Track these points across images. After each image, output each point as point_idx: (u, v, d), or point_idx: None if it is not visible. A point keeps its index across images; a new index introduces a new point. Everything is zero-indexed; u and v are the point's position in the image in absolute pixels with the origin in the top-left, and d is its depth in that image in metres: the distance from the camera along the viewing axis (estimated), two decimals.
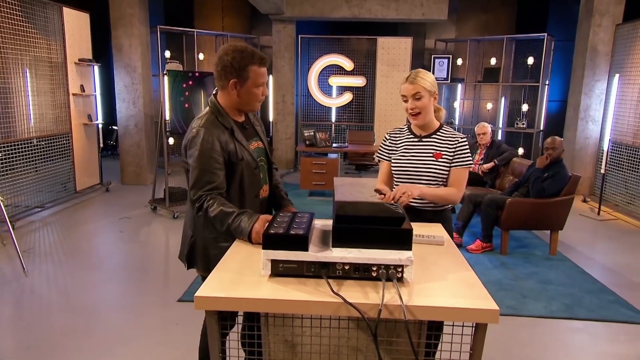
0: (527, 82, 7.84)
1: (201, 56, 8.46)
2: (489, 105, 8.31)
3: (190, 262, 2.05)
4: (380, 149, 2.36)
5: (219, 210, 1.79)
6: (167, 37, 8.43)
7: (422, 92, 2.13)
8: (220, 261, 1.56)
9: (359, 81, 8.40)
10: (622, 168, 6.24)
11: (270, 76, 8.66)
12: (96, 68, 6.72)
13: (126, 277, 3.91)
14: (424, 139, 2.23)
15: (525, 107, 7.88)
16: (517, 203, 4.36)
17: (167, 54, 8.26)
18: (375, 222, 1.47)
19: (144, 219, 5.58)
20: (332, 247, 1.43)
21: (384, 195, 2.01)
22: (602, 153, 6.39)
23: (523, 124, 7.83)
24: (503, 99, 8.12)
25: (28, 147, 5.48)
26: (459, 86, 8.55)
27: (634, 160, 6.02)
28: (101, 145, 7.02)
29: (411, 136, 2.26)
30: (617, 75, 6.05)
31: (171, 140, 8.03)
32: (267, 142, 2.17)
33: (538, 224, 4.54)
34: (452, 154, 2.18)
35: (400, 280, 1.38)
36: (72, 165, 6.27)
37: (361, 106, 8.64)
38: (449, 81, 8.36)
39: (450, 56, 8.38)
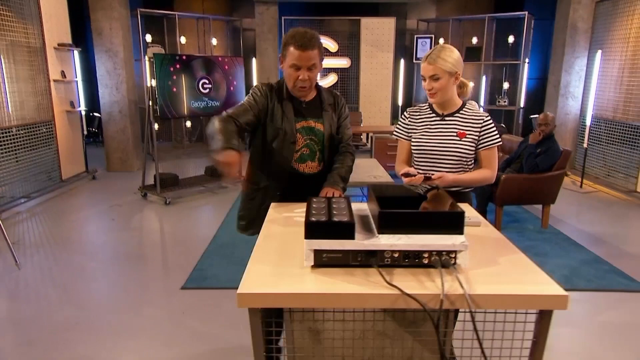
0: (508, 61, 7.78)
1: (183, 39, 8.08)
2: (471, 84, 8.21)
3: None
4: (398, 127, 2.21)
5: (217, 123, 1.83)
6: (147, 21, 8.01)
7: (440, 74, 1.99)
8: (254, 250, 1.41)
9: (343, 62, 8.19)
10: (601, 142, 6.27)
11: (254, 59, 8.37)
12: (76, 53, 6.32)
13: (124, 266, 3.70)
14: (446, 118, 2.09)
15: (506, 85, 7.84)
16: (511, 179, 4.31)
17: (148, 37, 7.86)
18: (419, 205, 1.34)
19: (135, 206, 5.34)
20: (379, 233, 1.29)
21: (413, 176, 1.89)
22: (585, 128, 6.40)
23: (504, 101, 7.79)
24: (484, 77, 8.05)
25: (7, 136, 5.13)
26: None
27: (613, 135, 6.05)
28: (85, 132, 6.67)
29: (432, 115, 2.12)
30: (599, 52, 6.02)
31: (156, 126, 7.70)
32: (333, 130, 2.11)
33: (531, 199, 4.51)
34: (478, 134, 2.05)
35: (454, 266, 1.25)
36: (56, 153, 5.93)
37: (346, 87, 8.45)
38: None
39: (433, 36, 8.24)
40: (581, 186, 6.15)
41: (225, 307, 3.03)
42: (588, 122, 6.23)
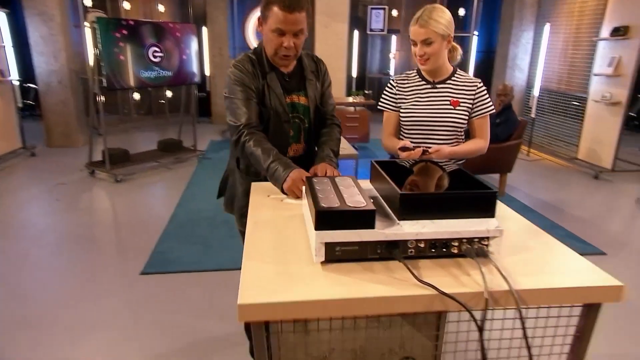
0: (458, 33, 7.69)
1: (127, 5, 7.30)
2: None
3: (221, 192, 1.93)
4: (384, 98, 1.96)
5: (256, 150, 1.57)
6: None
7: (433, 38, 1.74)
8: (247, 243, 1.12)
9: None
10: (545, 112, 6.38)
11: (205, 28, 7.74)
12: (2, 15, 5.48)
13: (73, 251, 3.27)
14: (437, 85, 1.86)
15: None
16: None
17: (88, 1, 7.01)
18: (443, 185, 1.11)
19: (83, 184, 4.80)
20: (399, 220, 1.05)
21: (412, 150, 1.66)
22: (530, 99, 6.47)
23: None
24: None
25: None
26: (393, 37, 8.22)
27: (557, 105, 6.15)
28: (20, 104, 5.90)
29: (422, 82, 1.88)
30: (547, 25, 6.02)
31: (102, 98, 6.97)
32: (318, 101, 1.80)
33: (491, 168, 4.47)
34: (472, 101, 1.84)
35: (487, 256, 1.04)
36: None
37: None
38: (385, 32, 7.99)
39: (386, 7, 7.97)
40: (528, 154, 6.26)
41: (191, 293, 2.73)
42: (536, 93, 6.29)
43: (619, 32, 5.13)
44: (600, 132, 5.45)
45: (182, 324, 2.43)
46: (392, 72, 8.41)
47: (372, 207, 1.00)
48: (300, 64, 1.75)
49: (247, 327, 2.05)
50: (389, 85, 1.95)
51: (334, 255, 1.01)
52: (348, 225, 0.99)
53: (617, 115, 5.20)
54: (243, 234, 1.78)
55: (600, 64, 5.38)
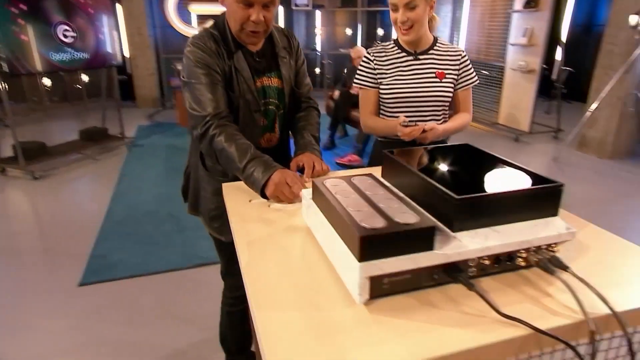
0: (381, 7, 7.49)
1: None
2: (349, 31, 7.82)
3: (185, 195, 1.56)
4: (361, 74, 1.63)
5: (229, 146, 1.20)
6: None
7: (417, 1, 1.46)
8: (247, 281, 0.78)
9: (221, 8, 7.06)
10: None
11: (119, 5, 6.76)
12: None
13: None
14: (420, 57, 1.58)
15: (381, 31, 7.60)
16: None
17: None
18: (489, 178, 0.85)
19: None
20: (454, 232, 0.76)
21: (414, 125, 1.39)
22: None
23: None
24: (359, 25, 7.68)
25: None
26: (318, 12, 7.81)
27: (477, 74, 6.24)
28: None
29: (403, 54, 1.59)
30: None
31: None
32: (293, 82, 1.43)
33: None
34: (457, 72, 1.60)
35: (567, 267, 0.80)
36: None
37: None
38: (310, 8, 7.55)
39: None
40: None
41: (143, 301, 2.29)
42: None
43: (530, 5, 5.22)
44: (517, 98, 5.61)
45: (137, 339, 2.01)
46: (318, 47, 8.04)
47: (429, 222, 0.71)
48: (270, 40, 1.38)
49: (224, 339, 1.71)
50: (364, 59, 1.63)
51: (381, 289, 0.71)
52: (400, 250, 0.69)
53: (532, 82, 5.35)
54: (216, 239, 1.44)
55: (516, 34, 5.47)
